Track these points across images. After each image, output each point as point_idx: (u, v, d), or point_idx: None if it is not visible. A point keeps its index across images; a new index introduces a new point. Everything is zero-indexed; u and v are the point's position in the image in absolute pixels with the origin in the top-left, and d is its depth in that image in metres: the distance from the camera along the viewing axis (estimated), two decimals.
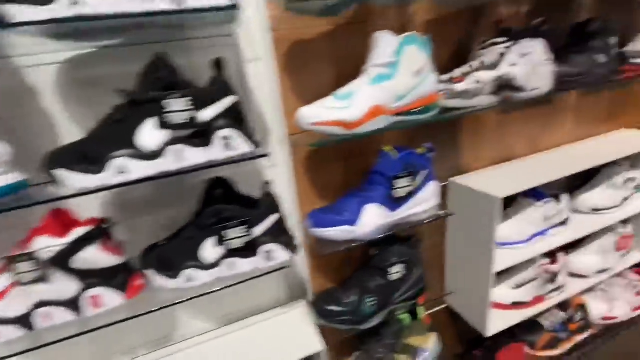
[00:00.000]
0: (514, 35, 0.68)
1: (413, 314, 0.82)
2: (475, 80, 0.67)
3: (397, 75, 0.59)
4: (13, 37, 0.51)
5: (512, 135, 0.97)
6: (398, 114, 0.61)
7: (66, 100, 0.57)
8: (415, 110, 0.62)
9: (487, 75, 0.68)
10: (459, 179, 0.88)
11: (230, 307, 0.79)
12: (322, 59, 0.70)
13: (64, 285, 0.50)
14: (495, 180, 0.86)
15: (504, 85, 0.69)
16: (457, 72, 0.69)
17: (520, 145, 0.99)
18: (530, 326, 1.07)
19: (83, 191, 0.45)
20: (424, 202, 0.70)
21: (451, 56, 0.80)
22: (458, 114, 0.69)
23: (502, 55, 0.69)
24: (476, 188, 0.81)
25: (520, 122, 0.97)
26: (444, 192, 0.89)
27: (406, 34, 0.59)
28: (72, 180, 0.45)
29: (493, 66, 0.69)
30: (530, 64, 0.69)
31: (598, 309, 1.11)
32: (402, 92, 0.60)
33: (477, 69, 0.69)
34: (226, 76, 0.52)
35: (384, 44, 0.58)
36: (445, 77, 0.69)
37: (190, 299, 0.58)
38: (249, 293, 0.79)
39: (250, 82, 0.66)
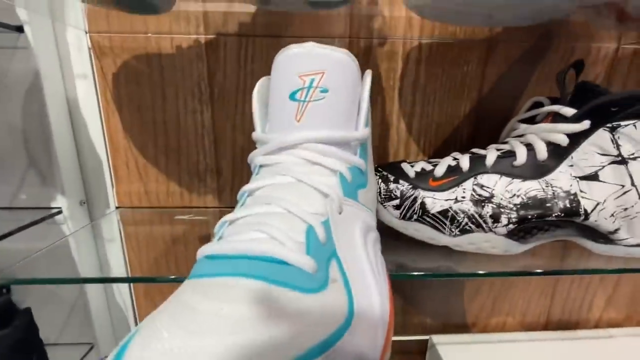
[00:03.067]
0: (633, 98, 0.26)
1: None
2: (497, 201, 0.26)
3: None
4: None
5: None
6: None
7: None
8: None
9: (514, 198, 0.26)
10: (445, 343, 0.46)
11: None
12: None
13: None
14: None
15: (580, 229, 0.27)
16: (440, 167, 0.28)
17: None
18: None
19: None
20: None
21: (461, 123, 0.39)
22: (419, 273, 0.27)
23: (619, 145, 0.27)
24: None
25: None
26: (420, 351, 0.49)
27: None
28: None
29: (543, 170, 0.27)
30: None
31: None
32: None
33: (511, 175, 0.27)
34: None
35: None
36: (414, 169, 0.29)
37: None
38: None
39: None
